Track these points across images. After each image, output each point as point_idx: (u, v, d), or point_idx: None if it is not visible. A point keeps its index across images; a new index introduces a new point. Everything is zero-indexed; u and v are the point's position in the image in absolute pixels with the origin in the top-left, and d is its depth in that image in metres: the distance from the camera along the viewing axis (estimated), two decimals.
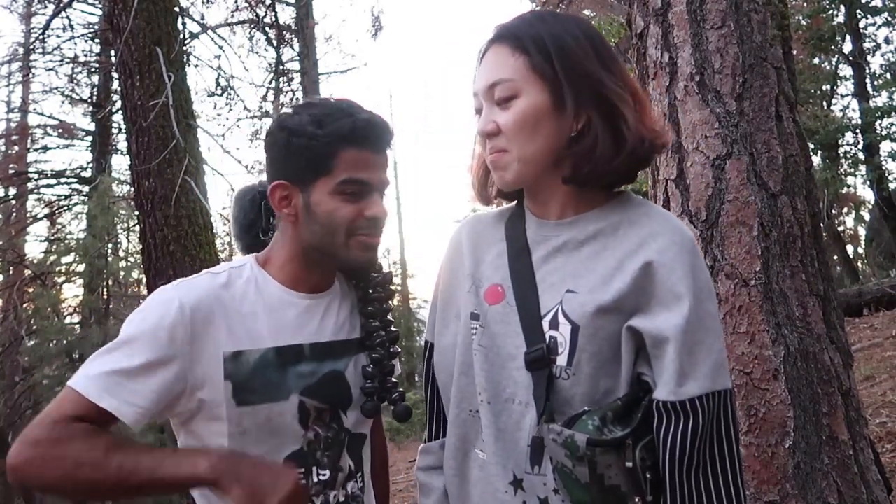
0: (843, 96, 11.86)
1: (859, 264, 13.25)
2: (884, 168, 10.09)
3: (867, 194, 14.31)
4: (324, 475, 1.16)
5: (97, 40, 12.57)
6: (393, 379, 1.21)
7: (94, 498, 1.04)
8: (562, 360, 0.94)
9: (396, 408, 1.21)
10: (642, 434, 0.89)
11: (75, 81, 13.05)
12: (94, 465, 0.99)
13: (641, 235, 0.96)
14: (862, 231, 16.11)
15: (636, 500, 0.88)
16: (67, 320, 12.73)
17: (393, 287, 1.28)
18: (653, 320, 0.91)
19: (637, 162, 0.99)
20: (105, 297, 12.04)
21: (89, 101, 13.11)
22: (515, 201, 1.12)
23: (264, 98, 14.22)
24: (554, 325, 0.96)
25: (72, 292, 13.49)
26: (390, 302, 1.25)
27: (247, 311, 1.11)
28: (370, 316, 1.21)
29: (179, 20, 7.48)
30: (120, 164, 13.23)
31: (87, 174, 12.91)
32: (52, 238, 13.79)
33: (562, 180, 1.01)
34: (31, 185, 13.45)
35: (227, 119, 13.06)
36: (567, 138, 0.98)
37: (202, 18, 11.54)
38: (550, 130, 0.98)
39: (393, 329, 1.22)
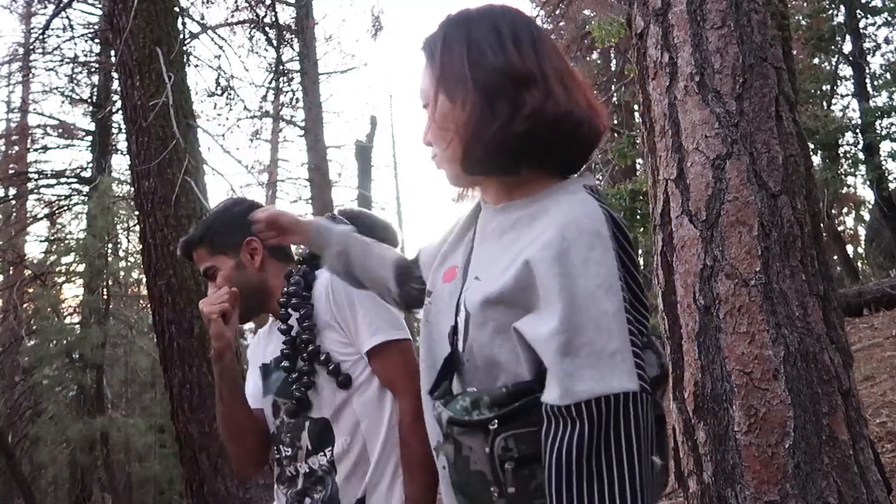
0: (843, 96, 11.88)
1: (859, 264, 13.25)
2: (884, 168, 10.10)
3: (867, 194, 14.32)
4: (287, 451, 1.52)
5: (97, 40, 12.55)
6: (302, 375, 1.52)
7: None
8: (460, 344, 0.96)
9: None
10: (513, 424, 0.84)
11: (75, 81, 13.04)
12: None
13: (540, 229, 0.91)
14: (862, 231, 16.11)
15: (492, 490, 0.84)
16: (67, 320, 12.73)
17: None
18: (535, 320, 0.85)
19: (562, 139, 0.94)
20: (105, 297, 12.04)
21: (89, 101, 13.10)
22: None
23: (264, 98, 14.23)
24: (458, 310, 0.98)
25: (72, 292, 13.50)
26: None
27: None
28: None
29: (179, 20, 7.49)
30: (120, 164, 13.23)
31: (87, 174, 12.90)
32: (52, 238, 13.77)
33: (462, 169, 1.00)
34: (31, 185, 13.44)
35: (227, 119, 13.04)
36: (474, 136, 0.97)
37: (202, 18, 11.55)
38: (456, 127, 0.97)
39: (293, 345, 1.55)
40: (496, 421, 0.84)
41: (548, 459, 0.81)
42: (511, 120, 0.92)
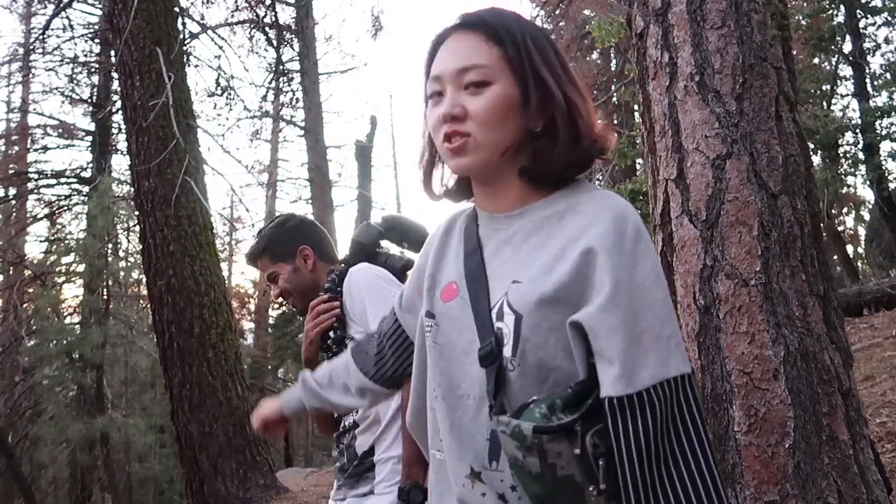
0: (843, 96, 11.87)
1: (859, 264, 13.25)
2: (884, 168, 10.09)
3: (867, 194, 14.32)
4: (347, 424, 1.89)
5: (97, 40, 12.58)
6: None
7: None
8: (507, 350, 0.93)
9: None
10: (594, 421, 0.85)
11: (75, 81, 13.07)
12: None
13: (582, 223, 0.95)
14: (862, 231, 16.11)
15: (590, 489, 0.84)
16: (67, 320, 12.74)
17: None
18: (593, 311, 0.87)
19: (588, 162, 1.02)
20: (105, 297, 12.05)
21: (89, 101, 13.12)
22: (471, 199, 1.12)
23: (264, 98, 14.25)
24: (500, 315, 0.95)
25: (72, 292, 13.52)
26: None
27: None
28: None
29: (179, 20, 7.49)
30: (120, 164, 13.25)
31: (87, 174, 12.92)
32: (52, 238, 13.80)
33: (517, 172, 1.01)
34: (31, 185, 13.46)
35: (227, 119, 13.14)
36: (526, 133, 1.00)
37: (202, 18, 11.57)
38: (515, 123, 0.98)
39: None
40: (580, 421, 0.85)
41: (623, 452, 0.84)
42: (580, 140, 1.00)
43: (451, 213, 1.17)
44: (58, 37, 11.75)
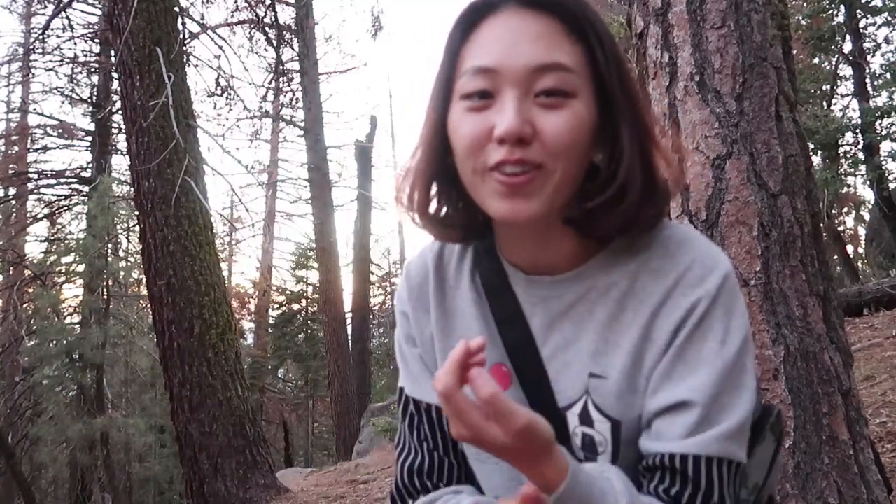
0: (843, 96, 11.87)
1: (859, 264, 13.24)
2: (884, 168, 10.09)
3: (867, 194, 14.32)
4: None
5: (97, 40, 12.58)
6: None
7: None
8: (604, 458, 0.76)
9: None
10: None
11: (75, 81, 13.07)
12: None
13: (667, 284, 0.74)
14: (862, 231, 16.11)
15: None
16: (67, 320, 12.74)
17: None
18: (674, 388, 0.73)
19: (664, 211, 0.78)
20: (105, 297, 12.05)
21: (89, 101, 13.12)
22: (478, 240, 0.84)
23: (264, 98, 14.25)
24: (586, 420, 0.76)
25: (72, 292, 13.52)
26: None
27: None
28: None
29: (179, 20, 7.48)
30: (120, 164, 13.27)
31: (87, 174, 12.92)
32: (52, 238, 13.81)
33: (563, 219, 0.75)
34: (31, 185, 13.47)
35: (227, 119, 13.10)
36: (585, 169, 0.74)
37: (202, 18, 11.56)
38: (587, 155, 0.73)
39: None
40: None
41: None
42: (655, 185, 0.77)
43: (426, 251, 0.89)
44: (58, 37, 11.76)
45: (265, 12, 12.03)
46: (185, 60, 7.61)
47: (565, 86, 0.70)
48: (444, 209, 0.81)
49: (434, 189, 0.80)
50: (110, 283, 12.39)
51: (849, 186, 13.68)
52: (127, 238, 13.91)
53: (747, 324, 0.76)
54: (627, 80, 0.74)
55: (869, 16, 10.57)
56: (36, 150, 13.72)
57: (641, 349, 0.75)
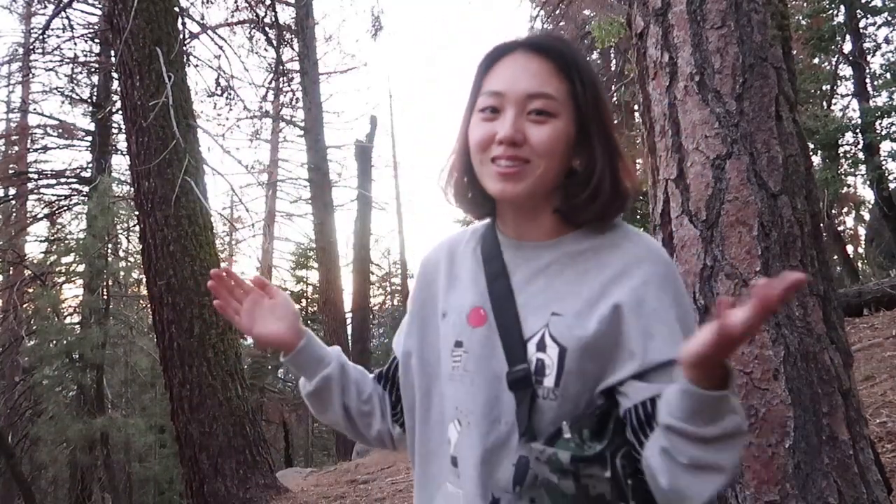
0: (843, 96, 11.87)
1: (859, 264, 13.24)
2: (884, 168, 10.09)
3: (867, 194, 14.32)
4: None
5: (97, 40, 12.58)
6: None
7: None
8: (549, 381, 0.97)
9: None
10: (619, 444, 0.93)
11: (75, 81, 13.06)
12: None
13: (625, 260, 1.00)
14: (862, 231, 16.12)
15: None
16: (67, 320, 12.74)
17: None
18: (662, 348, 0.96)
19: (624, 206, 1.05)
20: (105, 297, 12.04)
21: (89, 101, 13.11)
22: (486, 220, 1.13)
23: (264, 98, 14.23)
24: (541, 347, 0.98)
25: (72, 292, 13.52)
26: None
27: None
28: None
29: (179, 20, 7.48)
30: (120, 164, 13.26)
31: (87, 174, 12.92)
32: (52, 238, 13.80)
33: (552, 207, 1.04)
34: (31, 185, 13.47)
35: (227, 119, 13.03)
36: (567, 170, 1.03)
37: (202, 18, 11.54)
38: (565, 159, 1.02)
39: None
40: (609, 447, 0.92)
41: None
42: (620, 185, 1.04)
43: (444, 240, 1.19)
44: (58, 37, 11.75)
45: (265, 12, 12.03)
46: (185, 60, 7.60)
47: (550, 108, 1.00)
48: (471, 193, 1.09)
49: (465, 178, 1.09)
50: (110, 283, 12.39)
51: (849, 186, 13.69)
52: (127, 238, 13.92)
53: (689, 303, 1.05)
54: (603, 109, 1.03)
55: (869, 16, 10.58)
56: (36, 150, 13.72)
57: (598, 299, 0.98)
